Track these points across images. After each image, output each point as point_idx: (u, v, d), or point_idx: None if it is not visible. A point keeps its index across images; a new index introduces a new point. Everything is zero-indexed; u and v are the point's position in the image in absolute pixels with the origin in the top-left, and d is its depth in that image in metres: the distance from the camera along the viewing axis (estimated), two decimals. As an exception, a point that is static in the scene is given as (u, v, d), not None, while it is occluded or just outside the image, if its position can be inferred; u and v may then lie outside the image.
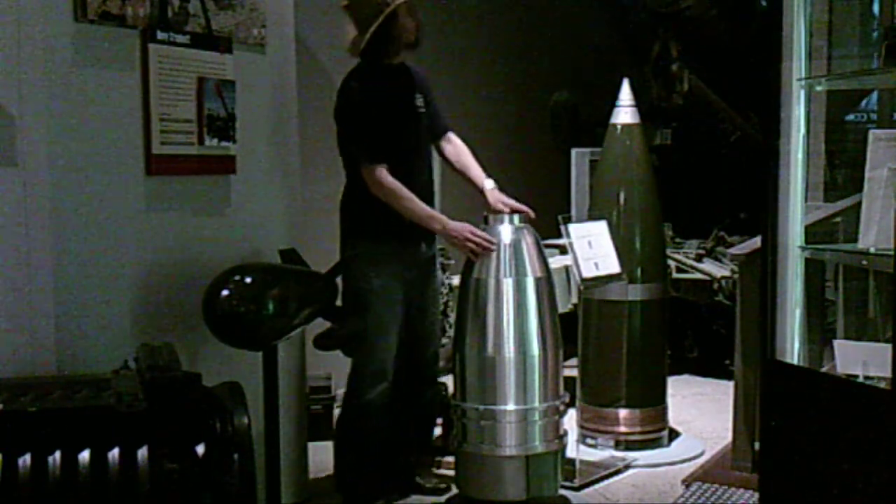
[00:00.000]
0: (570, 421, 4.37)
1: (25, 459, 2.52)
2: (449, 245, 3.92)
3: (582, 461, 4.44)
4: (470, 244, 3.71)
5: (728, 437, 4.62)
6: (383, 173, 3.75)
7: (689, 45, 6.67)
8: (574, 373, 4.72)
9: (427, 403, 4.12)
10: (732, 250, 4.79)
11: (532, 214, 3.83)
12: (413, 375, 3.98)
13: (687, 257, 6.14)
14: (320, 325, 3.82)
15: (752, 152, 6.38)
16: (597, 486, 4.41)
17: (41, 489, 2.51)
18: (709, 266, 6.08)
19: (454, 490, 4.08)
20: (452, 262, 4.95)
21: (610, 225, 4.54)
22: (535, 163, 7.49)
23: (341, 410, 4.08)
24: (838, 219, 3.44)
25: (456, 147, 4.10)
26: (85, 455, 2.56)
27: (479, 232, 3.74)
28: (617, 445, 4.82)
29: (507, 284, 3.80)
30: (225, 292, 3.21)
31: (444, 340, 4.90)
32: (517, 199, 3.94)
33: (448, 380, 4.21)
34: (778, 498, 3.21)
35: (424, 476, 4.23)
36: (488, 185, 3.94)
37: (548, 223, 4.42)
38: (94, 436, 2.59)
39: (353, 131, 3.82)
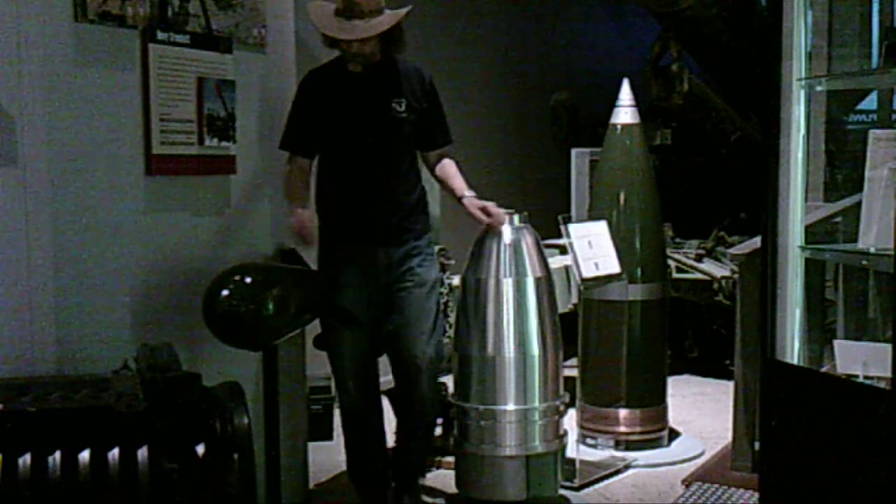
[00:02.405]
0: (570, 421, 4.37)
1: (25, 459, 2.52)
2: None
3: (582, 461, 4.44)
4: (296, 232, 3.68)
5: (728, 437, 4.62)
6: (289, 161, 3.76)
7: (689, 45, 6.67)
8: (574, 373, 4.72)
9: (419, 402, 4.03)
10: (732, 250, 4.79)
11: (500, 218, 3.75)
12: (398, 375, 3.93)
13: (687, 257, 6.14)
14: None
15: (752, 152, 6.39)
16: (597, 486, 4.41)
17: (41, 489, 2.51)
18: (709, 266, 6.08)
19: (454, 490, 4.08)
20: (452, 262, 4.95)
21: (610, 225, 4.54)
22: (535, 163, 7.49)
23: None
24: (838, 219, 3.44)
25: (443, 165, 3.93)
26: (85, 455, 2.56)
27: (307, 226, 3.66)
28: (617, 445, 4.82)
29: (507, 284, 3.80)
30: (225, 292, 3.21)
31: (444, 340, 4.90)
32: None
33: (448, 380, 4.21)
34: (778, 498, 3.21)
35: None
36: (468, 193, 3.84)
37: (548, 223, 4.42)
38: (94, 436, 2.59)
39: (290, 114, 3.81)
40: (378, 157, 3.76)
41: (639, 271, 4.83)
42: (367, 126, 3.75)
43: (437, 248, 4.19)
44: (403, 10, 3.69)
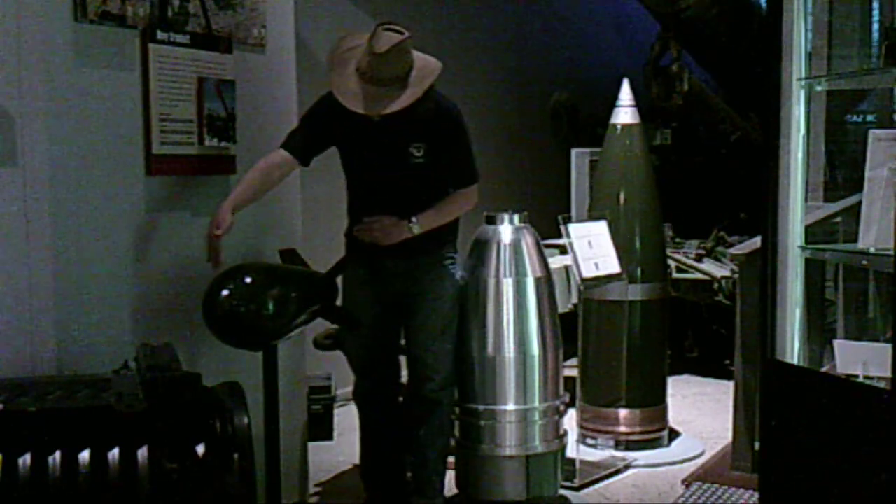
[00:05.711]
0: (570, 421, 4.37)
1: (25, 459, 2.52)
2: None
3: (582, 461, 4.44)
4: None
5: (728, 437, 4.62)
6: (273, 153, 3.60)
7: (689, 45, 6.68)
8: (574, 373, 4.73)
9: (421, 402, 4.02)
10: (732, 250, 4.80)
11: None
12: (410, 375, 3.94)
13: (687, 257, 6.15)
14: (320, 324, 3.82)
15: (752, 152, 6.39)
16: (597, 486, 4.41)
17: (41, 489, 2.51)
18: (709, 266, 6.09)
19: (454, 490, 4.08)
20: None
21: (610, 225, 4.54)
22: (535, 163, 7.49)
23: None
24: (838, 219, 3.45)
25: (451, 196, 3.71)
26: (85, 455, 2.56)
27: (219, 225, 3.42)
28: (617, 445, 4.83)
29: (507, 284, 3.80)
30: (225, 292, 3.21)
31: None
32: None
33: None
34: (778, 498, 3.21)
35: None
36: (414, 220, 3.60)
37: (548, 223, 4.43)
38: (94, 436, 2.58)
39: (301, 122, 3.71)
40: (393, 193, 3.65)
41: (639, 271, 4.84)
42: (383, 170, 3.63)
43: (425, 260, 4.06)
44: (435, 66, 3.52)
